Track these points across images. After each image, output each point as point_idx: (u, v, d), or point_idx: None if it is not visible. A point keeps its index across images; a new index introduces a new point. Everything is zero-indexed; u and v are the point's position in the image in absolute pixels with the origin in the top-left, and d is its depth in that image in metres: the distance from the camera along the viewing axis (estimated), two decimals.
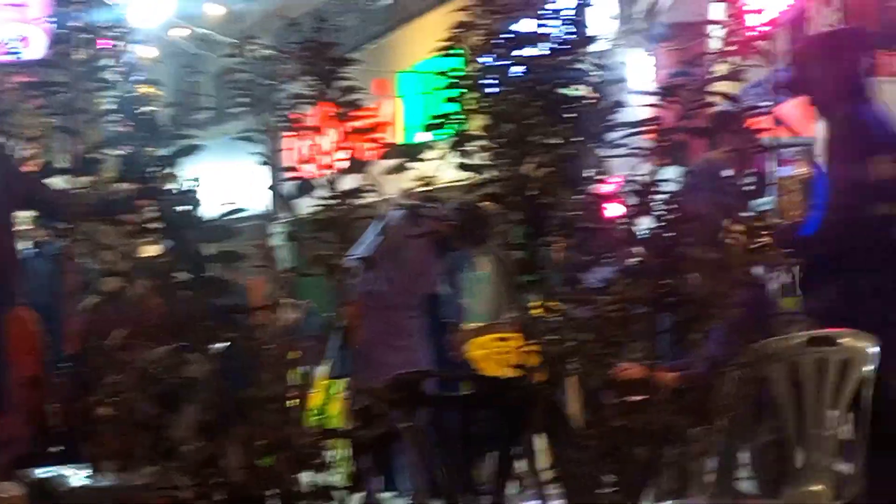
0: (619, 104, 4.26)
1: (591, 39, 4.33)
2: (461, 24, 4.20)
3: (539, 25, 4.25)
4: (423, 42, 17.40)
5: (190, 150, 4.61)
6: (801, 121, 9.81)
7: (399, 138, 19.54)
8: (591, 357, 4.14)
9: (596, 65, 4.28)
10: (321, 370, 5.62)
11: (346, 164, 4.12)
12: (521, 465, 4.68)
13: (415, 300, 9.87)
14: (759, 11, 4.97)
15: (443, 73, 4.26)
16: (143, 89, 5.08)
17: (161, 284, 4.28)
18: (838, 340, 5.90)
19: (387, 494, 8.22)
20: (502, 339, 8.88)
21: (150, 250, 4.43)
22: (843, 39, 7.36)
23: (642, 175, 4.28)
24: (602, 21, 14.00)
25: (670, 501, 5.12)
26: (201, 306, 4.22)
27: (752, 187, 4.90)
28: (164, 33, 19.46)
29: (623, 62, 13.41)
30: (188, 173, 4.52)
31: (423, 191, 4.33)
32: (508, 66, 4.18)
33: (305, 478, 4.13)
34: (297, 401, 4.22)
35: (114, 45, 4.87)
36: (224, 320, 4.26)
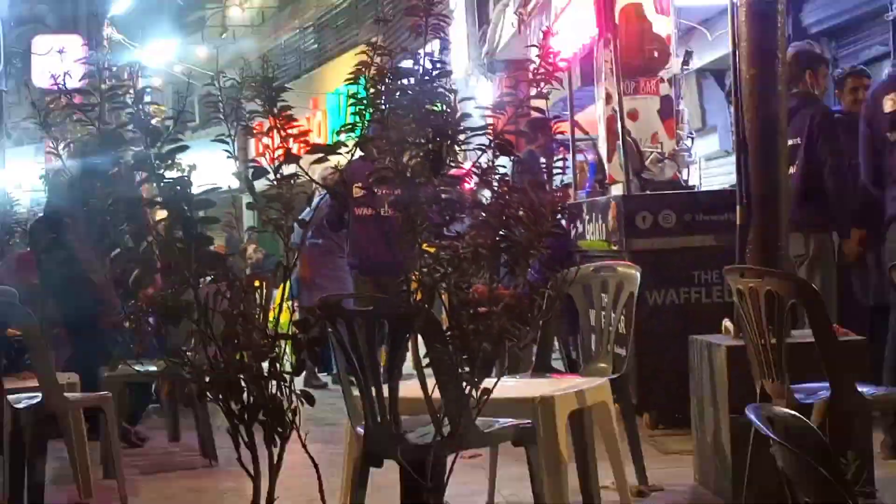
0: (468, 115, 4.31)
1: (449, 72, 4.37)
2: (361, 63, 4.23)
3: (414, 63, 4.29)
4: (342, 73, 17.28)
5: (182, 149, 4.61)
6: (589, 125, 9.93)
7: (325, 139, 19.66)
8: (453, 283, 4.20)
9: (452, 89, 4.34)
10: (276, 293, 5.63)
11: (284, 158, 4.16)
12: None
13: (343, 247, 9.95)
14: (558, 53, 4.95)
15: (350, 97, 4.29)
16: (152, 107, 5.05)
17: (164, 240, 4.29)
18: (616, 268, 6.00)
19: (322, 375, 8.14)
20: None
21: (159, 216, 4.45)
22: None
23: (485, 162, 4.33)
24: (459, 57, 14.03)
25: (510, 377, 5.18)
26: (192, 254, 4.23)
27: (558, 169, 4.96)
28: (167, 68, 19.24)
29: (473, 85, 13.32)
30: (184, 163, 4.53)
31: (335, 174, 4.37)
32: (394, 91, 4.22)
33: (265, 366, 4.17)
34: (260, 314, 4.25)
35: (130, 77, 4.83)
36: (208, 263, 4.28)
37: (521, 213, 4.25)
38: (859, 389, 4.84)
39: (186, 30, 26.06)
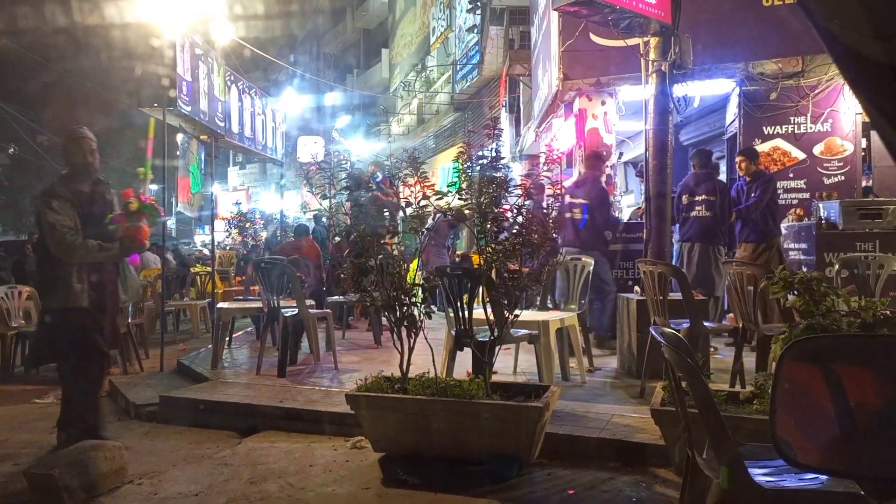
0: (511, 179, 4.26)
1: (502, 157, 4.31)
2: (459, 153, 4.20)
3: (489, 151, 4.24)
4: (447, 157, 17.16)
5: (371, 189, 4.64)
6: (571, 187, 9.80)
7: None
8: (500, 262, 4.15)
9: (505, 165, 4.28)
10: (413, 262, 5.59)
11: (422, 196, 4.14)
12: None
13: (446, 243, 9.83)
14: (558, 150, 4.97)
15: (456, 169, 4.27)
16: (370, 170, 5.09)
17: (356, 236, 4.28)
18: (582, 258, 5.92)
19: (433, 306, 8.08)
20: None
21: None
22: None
23: (518, 203, 4.29)
24: (505, 151, 13.88)
25: (527, 310, 5.12)
26: (373, 243, 4.23)
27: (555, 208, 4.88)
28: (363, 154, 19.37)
29: (511, 165, 13.07)
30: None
31: (446, 206, 4.29)
32: (475, 166, 4.18)
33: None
34: (405, 272, 4.25)
35: (346, 157, 4.87)
36: (379, 248, 4.27)
37: (534, 228, 4.22)
38: (704, 324, 4.74)
39: (372, 135, 26.29)
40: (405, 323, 4.03)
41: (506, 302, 4.09)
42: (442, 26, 21.25)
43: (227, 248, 13.77)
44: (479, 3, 17.40)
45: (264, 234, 12.67)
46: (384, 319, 4.63)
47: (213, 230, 9.44)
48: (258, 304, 6.60)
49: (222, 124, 9.04)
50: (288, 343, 6.10)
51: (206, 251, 16.08)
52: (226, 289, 10.79)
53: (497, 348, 4.13)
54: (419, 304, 4.11)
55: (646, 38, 5.81)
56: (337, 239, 6.03)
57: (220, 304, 7.17)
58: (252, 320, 8.32)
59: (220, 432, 4.69)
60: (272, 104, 11.69)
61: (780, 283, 3.27)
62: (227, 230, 13.98)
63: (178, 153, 8.01)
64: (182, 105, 7.40)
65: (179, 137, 8.01)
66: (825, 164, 7.87)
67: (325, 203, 4.75)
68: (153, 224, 4.30)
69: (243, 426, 4.70)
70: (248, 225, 12.39)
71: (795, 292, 3.18)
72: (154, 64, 7.20)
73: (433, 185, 4.14)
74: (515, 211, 4.40)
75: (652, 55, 5.80)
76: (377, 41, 30.17)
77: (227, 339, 7.41)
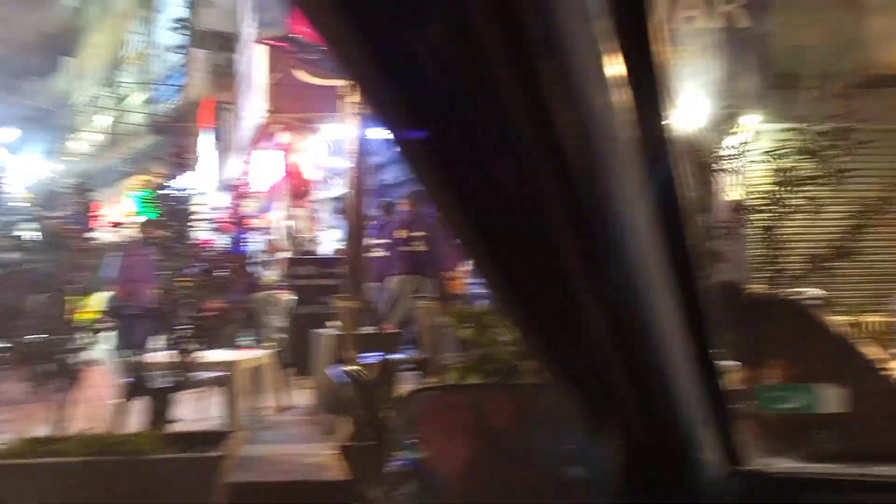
0: (204, 212, 4.01)
1: (191, 189, 4.05)
2: (146, 182, 3.84)
3: (185, 179, 3.94)
4: (142, 182, 15.68)
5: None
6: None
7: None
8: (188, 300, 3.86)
9: (192, 195, 4.01)
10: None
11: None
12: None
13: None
14: (262, 182, 4.79)
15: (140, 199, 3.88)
16: None
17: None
18: (277, 295, 5.79)
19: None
20: None
21: None
22: None
23: (212, 237, 4.05)
24: (211, 177, 12.97)
25: (218, 350, 4.78)
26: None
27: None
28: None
29: (214, 195, 12.01)
30: None
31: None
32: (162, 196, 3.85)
33: None
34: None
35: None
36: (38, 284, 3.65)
37: (227, 264, 4.02)
38: (393, 356, 4.92)
39: (52, 153, 22.84)
40: (64, 371, 3.49)
41: (191, 343, 3.79)
42: (140, 42, 19.63)
43: None
44: (183, 23, 16.42)
45: None
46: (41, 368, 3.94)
47: None
48: None
49: None
50: None
51: None
52: None
53: (178, 394, 3.79)
54: (84, 349, 3.59)
55: (348, 81, 6.00)
56: None
57: None
58: None
59: None
60: None
61: (457, 317, 3.57)
62: None
63: None
64: None
65: None
66: None
67: None
68: None
69: None
70: None
71: (468, 325, 3.49)
72: None
73: (103, 215, 3.70)
74: (208, 246, 4.15)
75: (353, 97, 6.00)
76: (60, 47, 26.65)
77: None
